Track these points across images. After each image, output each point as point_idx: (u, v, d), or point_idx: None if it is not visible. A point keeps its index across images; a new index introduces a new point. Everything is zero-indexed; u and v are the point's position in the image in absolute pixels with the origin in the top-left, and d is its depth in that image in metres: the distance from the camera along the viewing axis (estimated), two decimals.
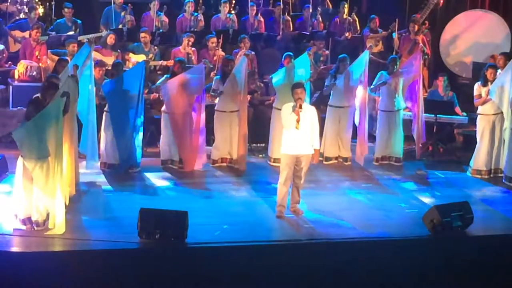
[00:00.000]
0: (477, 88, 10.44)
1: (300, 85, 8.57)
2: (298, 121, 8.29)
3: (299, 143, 8.40)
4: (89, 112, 9.32)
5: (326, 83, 10.78)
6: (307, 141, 8.45)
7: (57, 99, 7.92)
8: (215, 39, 12.05)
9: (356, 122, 10.78)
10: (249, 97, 10.76)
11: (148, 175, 10.04)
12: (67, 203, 8.20)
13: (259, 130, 10.57)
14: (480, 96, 10.38)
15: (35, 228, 7.78)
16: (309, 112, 8.48)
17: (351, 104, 10.76)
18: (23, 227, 7.78)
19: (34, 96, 7.94)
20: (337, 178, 10.23)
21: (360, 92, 10.58)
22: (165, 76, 10.55)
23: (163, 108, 10.26)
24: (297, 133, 8.35)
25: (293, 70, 10.25)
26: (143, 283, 7.37)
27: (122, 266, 7.40)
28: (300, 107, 8.31)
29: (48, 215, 7.84)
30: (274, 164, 10.29)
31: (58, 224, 7.76)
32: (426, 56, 12.47)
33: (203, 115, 10.24)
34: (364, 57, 10.59)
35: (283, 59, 10.72)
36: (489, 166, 10.41)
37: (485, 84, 10.34)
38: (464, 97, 12.15)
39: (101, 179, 9.79)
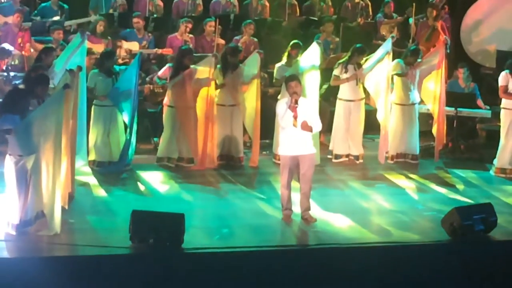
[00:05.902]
0: (504, 76, 10.09)
1: (294, 78, 8.23)
2: (295, 117, 7.97)
3: (298, 143, 8.09)
4: (79, 106, 9.10)
5: (334, 73, 10.46)
6: (308, 140, 8.14)
7: (58, 91, 7.75)
8: (213, 23, 11.78)
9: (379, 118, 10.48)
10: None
11: (142, 173, 9.90)
12: (65, 205, 8.02)
13: (263, 126, 10.30)
14: (506, 87, 10.04)
15: (26, 228, 7.56)
16: (306, 106, 8.12)
17: (363, 97, 10.51)
18: (13, 233, 7.56)
19: (16, 87, 7.78)
20: (347, 178, 10.03)
21: (383, 85, 10.20)
22: (168, 65, 10.28)
23: (167, 101, 10.04)
24: (296, 131, 8.04)
25: (298, 63, 10.05)
26: None
27: (112, 273, 7.16)
28: (296, 102, 7.99)
29: (38, 213, 7.63)
30: (279, 162, 9.93)
31: (53, 224, 7.58)
32: (449, 51, 12.11)
33: (215, 111, 10.10)
34: (385, 47, 10.25)
35: (289, 49, 10.37)
36: None
37: None
38: (487, 88, 11.85)
39: (90, 177, 9.64)
